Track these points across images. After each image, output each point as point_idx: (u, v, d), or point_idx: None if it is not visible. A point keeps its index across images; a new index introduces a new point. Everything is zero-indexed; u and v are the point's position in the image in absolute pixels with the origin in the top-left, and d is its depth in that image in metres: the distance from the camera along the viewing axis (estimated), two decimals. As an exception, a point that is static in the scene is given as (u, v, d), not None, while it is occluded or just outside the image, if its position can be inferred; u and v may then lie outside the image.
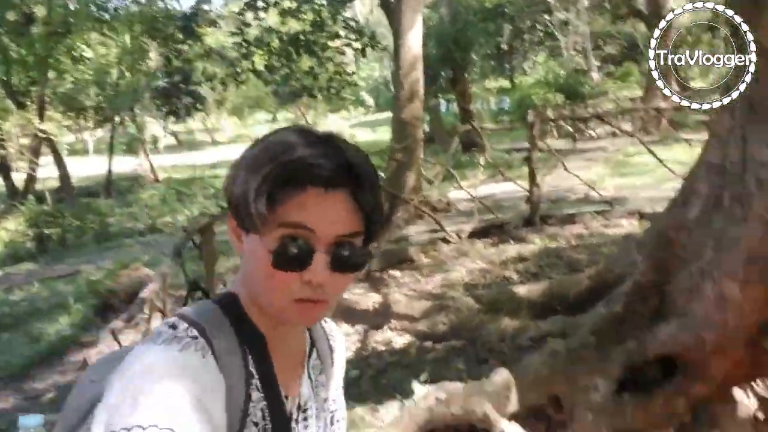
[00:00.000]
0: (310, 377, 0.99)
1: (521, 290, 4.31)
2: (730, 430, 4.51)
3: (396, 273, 6.78)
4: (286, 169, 0.78)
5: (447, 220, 8.85)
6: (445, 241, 7.70)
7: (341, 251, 0.81)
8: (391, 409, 4.08)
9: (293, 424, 0.94)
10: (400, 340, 5.06)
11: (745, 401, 4.56)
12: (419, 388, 4.16)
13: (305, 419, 0.97)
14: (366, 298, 5.80)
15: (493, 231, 7.89)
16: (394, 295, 5.67)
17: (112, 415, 0.70)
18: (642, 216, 7.47)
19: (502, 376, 3.73)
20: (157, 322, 3.86)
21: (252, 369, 0.86)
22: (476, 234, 7.88)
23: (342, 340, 1.09)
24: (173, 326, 0.82)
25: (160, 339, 0.79)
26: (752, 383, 4.60)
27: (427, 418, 3.69)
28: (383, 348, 5.07)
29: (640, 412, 4.06)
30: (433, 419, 3.53)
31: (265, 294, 0.84)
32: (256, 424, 0.85)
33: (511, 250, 6.86)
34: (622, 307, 3.85)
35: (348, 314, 5.94)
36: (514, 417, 3.75)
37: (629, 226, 7.37)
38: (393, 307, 5.44)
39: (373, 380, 4.54)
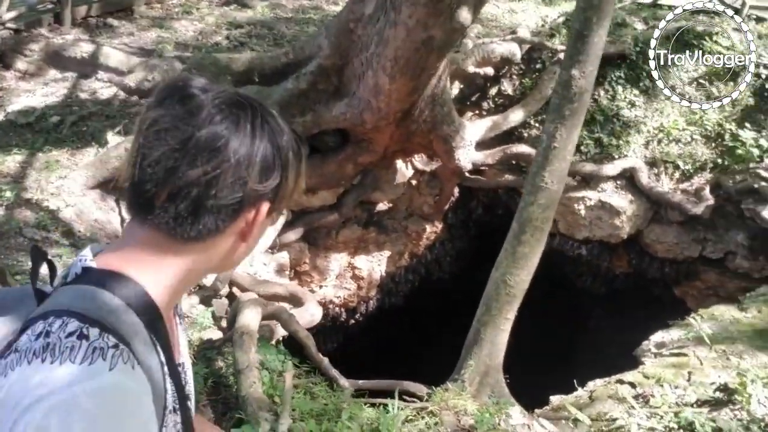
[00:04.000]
0: (179, 324, 0.90)
1: (225, 58, 4.55)
2: (387, 190, 5.62)
3: (114, 22, 6.45)
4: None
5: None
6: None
7: None
8: (87, 155, 4.30)
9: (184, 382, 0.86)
10: (106, 92, 5.09)
11: (404, 170, 5.64)
12: (113, 139, 4.41)
13: (182, 364, 0.88)
14: (77, 47, 5.55)
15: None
16: (106, 47, 5.51)
17: None
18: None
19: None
20: None
21: (162, 358, 0.75)
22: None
23: None
24: (83, 336, 0.65)
25: (74, 355, 0.63)
26: (413, 157, 5.67)
27: (117, 165, 4.05)
28: (88, 97, 5.07)
29: (315, 174, 4.84)
30: (121, 167, 3.85)
31: (247, 255, 0.86)
32: (172, 410, 0.77)
33: (235, 15, 6.88)
34: (307, 84, 4.35)
35: (57, 60, 5.67)
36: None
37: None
38: (103, 59, 5.34)
39: (75, 126, 4.62)
